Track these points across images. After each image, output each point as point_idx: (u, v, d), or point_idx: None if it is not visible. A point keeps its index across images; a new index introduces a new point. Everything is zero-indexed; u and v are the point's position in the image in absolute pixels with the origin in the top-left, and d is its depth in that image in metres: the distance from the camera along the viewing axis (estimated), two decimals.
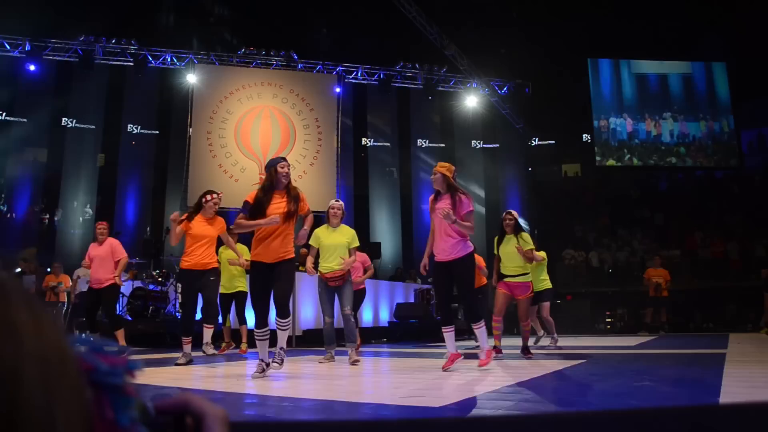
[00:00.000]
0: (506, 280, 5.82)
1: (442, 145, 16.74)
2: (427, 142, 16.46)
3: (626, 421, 0.60)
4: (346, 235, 5.67)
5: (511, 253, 5.79)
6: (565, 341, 9.78)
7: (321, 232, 5.70)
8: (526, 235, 5.94)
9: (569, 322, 14.65)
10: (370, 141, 16.27)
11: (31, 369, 0.36)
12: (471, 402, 2.86)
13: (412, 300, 11.73)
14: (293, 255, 4.47)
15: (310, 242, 5.56)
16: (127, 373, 0.44)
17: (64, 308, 9.98)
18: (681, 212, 16.79)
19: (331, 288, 5.55)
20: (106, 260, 6.46)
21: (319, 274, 5.64)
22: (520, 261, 5.77)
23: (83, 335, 0.46)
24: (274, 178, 4.39)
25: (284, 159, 4.55)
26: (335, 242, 5.57)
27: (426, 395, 3.21)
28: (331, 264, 5.54)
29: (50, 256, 12.09)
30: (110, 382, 0.42)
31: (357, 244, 5.73)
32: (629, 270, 15.27)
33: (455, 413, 2.49)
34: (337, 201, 5.83)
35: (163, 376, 4.38)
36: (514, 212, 6.02)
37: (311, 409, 2.84)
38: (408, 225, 16.00)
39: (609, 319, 14.87)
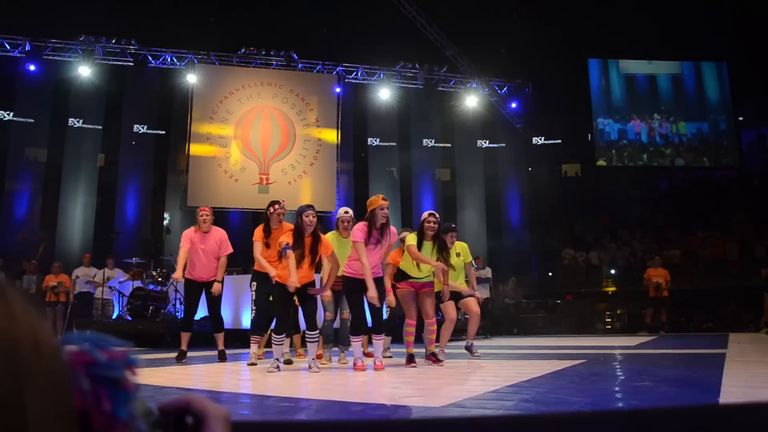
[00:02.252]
0: (411, 280, 5.20)
1: (442, 145, 16.73)
2: (428, 142, 16.45)
3: (626, 421, 0.60)
4: None
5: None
6: (565, 341, 9.78)
7: (331, 239, 5.73)
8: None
9: (569, 322, 14.68)
10: (371, 141, 16.26)
11: None
12: (471, 402, 2.86)
13: None
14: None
15: None
16: (126, 367, 0.44)
17: (65, 308, 9.99)
18: (681, 212, 16.78)
19: (335, 290, 5.66)
20: (214, 254, 5.87)
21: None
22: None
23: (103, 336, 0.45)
24: (301, 226, 4.70)
25: (311, 207, 4.80)
26: (347, 253, 5.59)
27: (426, 395, 3.21)
28: (339, 271, 5.63)
29: (50, 256, 12.09)
30: (108, 375, 0.42)
31: None
32: (629, 270, 15.27)
33: (455, 413, 2.49)
34: (346, 213, 5.78)
35: (163, 376, 4.38)
36: (437, 216, 5.22)
37: (311, 409, 2.84)
38: (408, 225, 15.95)
39: (609, 319, 14.87)
